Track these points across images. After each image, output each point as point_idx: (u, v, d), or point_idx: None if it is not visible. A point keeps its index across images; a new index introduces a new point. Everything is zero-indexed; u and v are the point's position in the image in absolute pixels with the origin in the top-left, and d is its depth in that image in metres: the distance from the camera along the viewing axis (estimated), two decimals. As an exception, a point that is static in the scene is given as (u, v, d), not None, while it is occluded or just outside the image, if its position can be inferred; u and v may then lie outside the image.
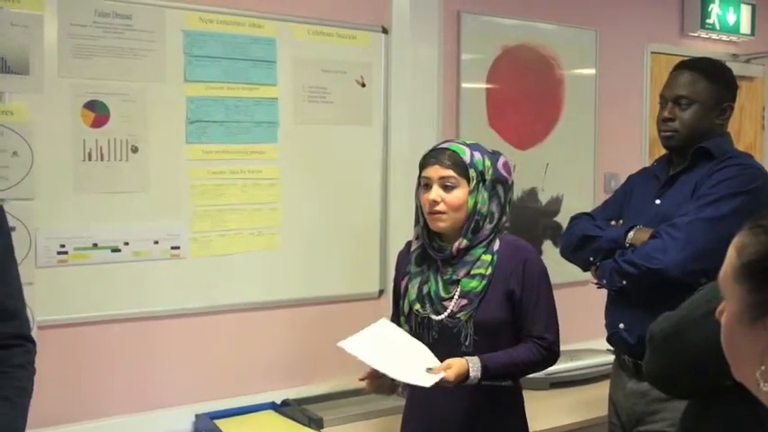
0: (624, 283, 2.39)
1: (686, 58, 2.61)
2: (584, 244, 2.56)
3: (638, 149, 4.16)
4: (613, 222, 2.66)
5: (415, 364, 2.15)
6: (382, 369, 2.13)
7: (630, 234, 2.45)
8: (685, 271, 2.24)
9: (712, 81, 2.46)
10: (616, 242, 2.47)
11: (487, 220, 2.24)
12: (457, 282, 2.23)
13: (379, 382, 2.24)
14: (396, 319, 2.43)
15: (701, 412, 1.53)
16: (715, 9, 4.33)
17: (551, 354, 2.26)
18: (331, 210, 3.19)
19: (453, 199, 2.19)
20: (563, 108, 3.86)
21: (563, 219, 3.82)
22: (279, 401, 3.02)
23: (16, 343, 1.81)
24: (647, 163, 4.07)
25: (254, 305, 3.05)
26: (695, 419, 1.55)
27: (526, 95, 3.75)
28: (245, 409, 2.95)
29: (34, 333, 2.57)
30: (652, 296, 2.28)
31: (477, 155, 2.23)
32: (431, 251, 2.28)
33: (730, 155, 2.44)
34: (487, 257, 2.23)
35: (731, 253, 1.04)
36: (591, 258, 2.54)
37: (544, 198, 3.83)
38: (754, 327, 0.99)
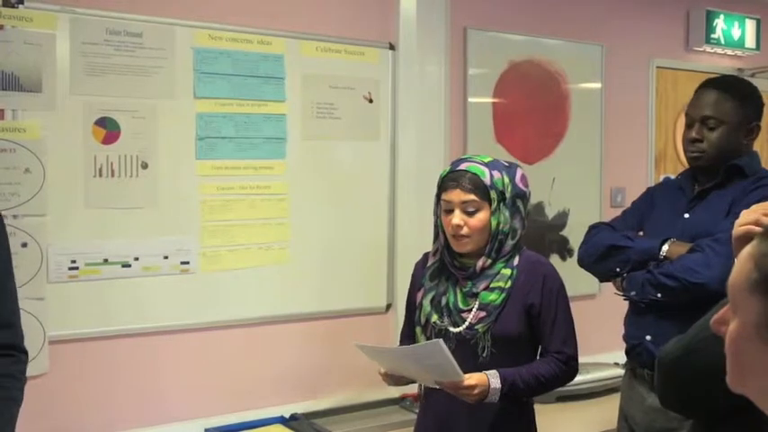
0: (659, 296, 2.34)
1: (713, 76, 2.55)
2: (611, 254, 2.51)
3: (644, 164, 4.17)
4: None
5: (431, 376, 2.17)
6: (389, 364, 2.19)
7: (665, 247, 2.39)
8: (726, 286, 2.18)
9: (740, 101, 2.42)
10: (649, 254, 2.42)
11: (510, 236, 2.25)
12: (476, 294, 2.23)
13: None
14: (408, 329, 2.44)
15: (708, 430, 1.53)
16: (720, 24, 4.35)
17: (570, 368, 2.26)
18: (339, 225, 3.21)
19: (477, 222, 2.20)
20: (569, 123, 3.88)
21: (569, 233, 3.84)
22: (287, 416, 3.02)
23: (6, 353, 1.81)
24: (653, 177, 4.10)
25: (262, 320, 3.07)
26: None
27: (533, 110, 3.77)
28: (254, 424, 2.96)
29: (45, 348, 2.62)
30: (684, 308, 2.23)
31: (497, 174, 2.22)
32: (453, 270, 2.28)
33: (764, 174, 2.41)
34: (507, 271, 2.24)
35: (746, 263, 1.01)
36: (617, 269, 2.49)
37: (551, 212, 3.84)
38: None
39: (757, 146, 2.54)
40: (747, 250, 1.02)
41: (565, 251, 3.83)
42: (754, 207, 1.47)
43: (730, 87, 2.46)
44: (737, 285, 1.02)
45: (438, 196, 2.28)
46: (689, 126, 2.47)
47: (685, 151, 2.50)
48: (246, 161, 3.00)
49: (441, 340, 2.03)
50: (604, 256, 2.54)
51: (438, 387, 2.17)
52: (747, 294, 0.99)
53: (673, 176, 2.77)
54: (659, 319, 2.38)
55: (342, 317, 3.23)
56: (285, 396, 3.10)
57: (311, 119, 3.14)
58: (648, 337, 2.43)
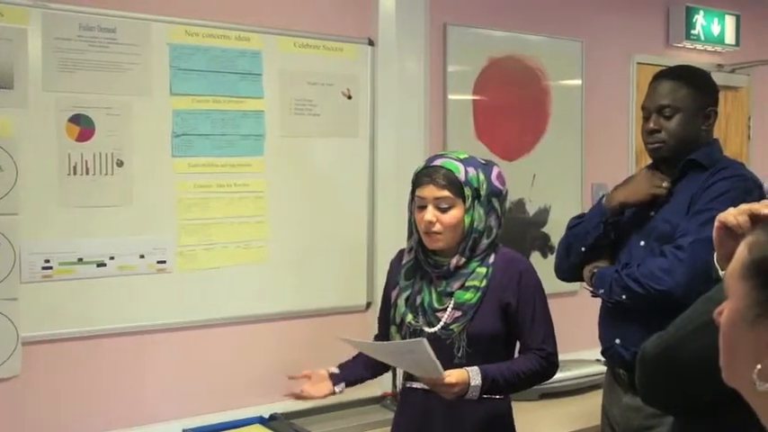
0: (624, 297, 2.35)
1: (663, 68, 2.58)
2: (573, 239, 2.55)
3: (625, 159, 4.17)
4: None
5: (412, 370, 2.17)
6: (374, 354, 2.19)
7: (604, 199, 2.50)
8: (690, 292, 2.18)
9: (693, 87, 2.43)
10: (598, 213, 2.49)
11: (485, 235, 2.23)
12: (451, 294, 2.21)
13: (316, 379, 2.29)
14: (382, 327, 2.42)
15: (690, 427, 1.52)
16: (700, 20, 4.36)
17: (550, 365, 2.25)
18: (318, 222, 3.18)
19: (450, 219, 2.18)
20: (549, 119, 3.87)
21: (550, 230, 3.83)
22: (266, 416, 2.99)
23: None
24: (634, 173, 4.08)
25: (240, 319, 3.03)
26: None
27: (513, 107, 3.76)
28: (233, 424, 2.92)
29: (18, 349, 2.57)
30: (650, 312, 2.24)
31: (472, 171, 2.20)
32: (427, 267, 2.26)
33: (723, 165, 2.41)
34: (482, 270, 2.22)
35: (741, 251, 1.03)
36: (583, 249, 2.50)
37: (531, 209, 3.83)
38: (756, 324, 0.97)
39: (721, 137, 2.55)
40: (745, 240, 1.04)
41: (546, 248, 3.82)
42: (737, 208, 1.45)
43: (683, 75, 2.48)
44: (732, 272, 1.03)
45: (412, 192, 2.26)
46: (646, 118, 2.49)
47: (645, 144, 2.51)
48: (224, 158, 2.96)
49: (424, 339, 2.01)
50: (571, 243, 2.57)
51: (418, 382, 2.17)
52: (738, 279, 1.01)
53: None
54: (627, 323, 2.39)
55: (321, 315, 3.20)
56: (264, 396, 3.06)
57: (289, 115, 3.11)
58: (618, 341, 2.44)
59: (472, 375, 2.11)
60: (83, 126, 2.69)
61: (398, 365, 2.27)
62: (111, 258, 2.75)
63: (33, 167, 2.60)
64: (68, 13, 2.65)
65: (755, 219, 1.38)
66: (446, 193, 2.17)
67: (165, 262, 2.86)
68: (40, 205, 2.62)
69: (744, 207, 1.43)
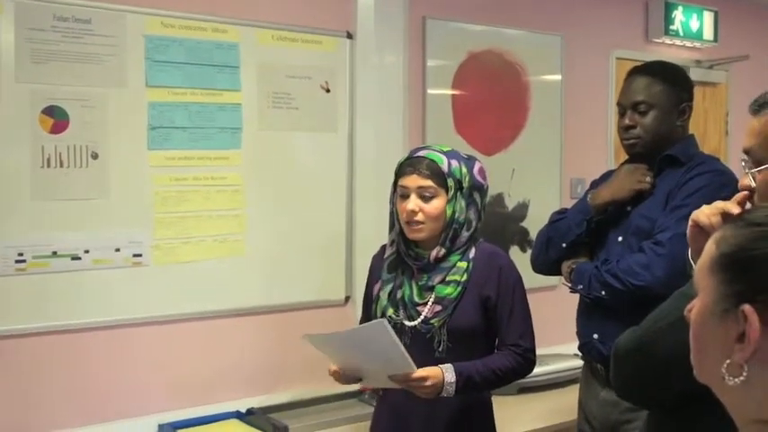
0: (603, 293, 2.36)
1: (638, 64, 2.60)
2: (554, 234, 2.55)
3: (604, 154, 4.18)
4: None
5: (383, 369, 2.13)
6: (342, 365, 2.17)
7: (589, 196, 2.50)
8: (669, 287, 2.18)
9: (668, 83, 2.44)
10: (582, 210, 2.49)
11: (465, 227, 2.23)
12: (432, 288, 2.21)
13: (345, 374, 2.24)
14: (365, 322, 2.41)
15: (664, 421, 1.53)
16: (678, 15, 4.37)
17: (527, 361, 2.24)
18: (296, 216, 3.16)
19: (432, 209, 2.18)
20: (529, 114, 3.87)
21: (530, 224, 3.83)
22: (243, 410, 2.98)
23: None
24: (614, 168, 4.09)
25: (217, 313, 3.01)
26: (658, 427, 1.55)
27: (492, 101, 3.75)
28: (210, 419, 2.91)
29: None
30: (629, 308, 2.23)
31: (455, 163, 2.21)
32: (407, 259, 2.26)
33: (699, 160, 2.42)
34: (463, 264, 2.22)
35: (710, 246, 1.03)
36: (563, 245, 2.51)
37: (511, 204, 3.83)
38: (724, 319, 0.97)
39: (699, 133, 2.55)
40: (713, 237, 1.04)
41: (525, 242, 3.82)
42: (710, 207, 1.45)
43: (657, 71, 2.49)
44: (701, 268, 1.03)
45: (395, 183, 2.25)
46: (621, 115, 2.50)
47: (621, 140, 2.52)
48: (201, 151, 2.94)
49: (384, 320, 2.00)
50: (550, 238, 2.57)
51: (392, 387, 2.14)
52: (707, 274, 1.01)
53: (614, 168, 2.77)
54: (605, 319, 2.39)
55: (299, 309, 3.18)
56: (242, 390, 3.06)
57: (267, 109, 3.09)
58: (596, 336, 2.44)
59: (446, 371, 2.10)
60: (57, 118, 2.66)
61: (367, 375, 2.21)
62: (86, 252, 2.73)
63: (6, 160, 2.57)
64: (42, 3, 2.62)
65: (727, 218, 1.38)
66: (429, 182, 2.17)
67: (140, 255, 2.83)
68: (14, 198, 2.59)
69: (718, 205, 1.44)
